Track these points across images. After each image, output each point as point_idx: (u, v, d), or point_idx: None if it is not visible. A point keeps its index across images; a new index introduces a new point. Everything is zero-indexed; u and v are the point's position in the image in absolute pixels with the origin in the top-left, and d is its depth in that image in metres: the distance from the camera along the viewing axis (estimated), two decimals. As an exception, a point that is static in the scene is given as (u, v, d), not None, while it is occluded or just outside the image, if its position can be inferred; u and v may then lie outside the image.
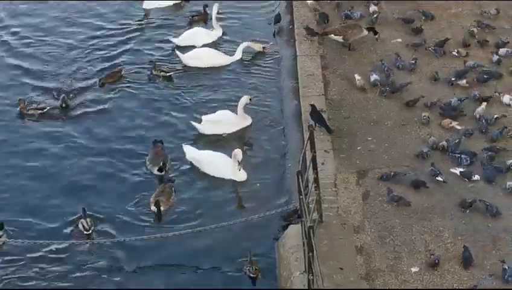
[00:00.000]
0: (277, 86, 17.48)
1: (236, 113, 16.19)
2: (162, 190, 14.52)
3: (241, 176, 15.00)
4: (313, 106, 15.34)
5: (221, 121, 16.07)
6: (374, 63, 16.99)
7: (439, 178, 13.98)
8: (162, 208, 14.24)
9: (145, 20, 19.91)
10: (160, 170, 15.00)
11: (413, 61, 16.73)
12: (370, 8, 18.46)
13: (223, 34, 19.16)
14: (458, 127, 15.17)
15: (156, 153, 15.29)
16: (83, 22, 19.90)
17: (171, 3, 20.39)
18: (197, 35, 18.81)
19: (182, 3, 20.47)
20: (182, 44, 18.59)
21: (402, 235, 13.07)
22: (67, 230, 14.12)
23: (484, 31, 17.70)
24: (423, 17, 18.21)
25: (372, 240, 13.01)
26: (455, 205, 13.53)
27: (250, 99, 16.28)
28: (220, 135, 16.08)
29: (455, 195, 13.75)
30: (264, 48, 18.49)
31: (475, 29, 17.64)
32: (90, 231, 13.98)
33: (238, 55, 18.25)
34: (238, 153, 14.82)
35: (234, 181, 15.00)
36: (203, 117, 16.18)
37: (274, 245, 13.67)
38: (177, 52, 18.15)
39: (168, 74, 17.79)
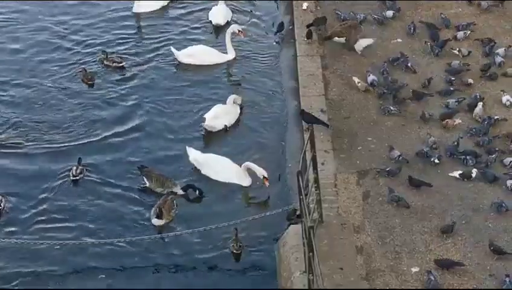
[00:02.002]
0: (277, 86, 17.45)
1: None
2: (164, 202, 14.35)
3: (246, 181, 14.97)
4: (301, 111, 15.37)
5: (221, 115, 16.15)
6: (374, 63, 16.98)
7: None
8: (163, 221, 14.14)
9: (136, 25, 19.50)
10: (184, 189, 14.74)
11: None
12: (386, 13, 18.23)
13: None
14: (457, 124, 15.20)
15: (159, 175, 14.78)
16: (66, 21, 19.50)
17: (159, 5, 19.89)
18: (200, 52, 18.26)
19: (168, 4, 20.08)
20: (185, 61, 18.03)
21: (402, 235, 13.08)
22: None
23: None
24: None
25: (372, 240, 13.01)
26: (455, 205, 13.54)
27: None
28: (223, 132, 16.13)
29: (455, 195, 13.76)
30: (239, 31, 18.28)
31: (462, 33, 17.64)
32: (78, 177, 14.74)
33: (231, 53, 18.12)
34: (251, 165, 14.81)
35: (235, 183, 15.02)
36: (206, 116, 16.16)
37: (274, 245, 13.69)
38: (172, 49, 18.06)
39: (120, 64, 17.72)
